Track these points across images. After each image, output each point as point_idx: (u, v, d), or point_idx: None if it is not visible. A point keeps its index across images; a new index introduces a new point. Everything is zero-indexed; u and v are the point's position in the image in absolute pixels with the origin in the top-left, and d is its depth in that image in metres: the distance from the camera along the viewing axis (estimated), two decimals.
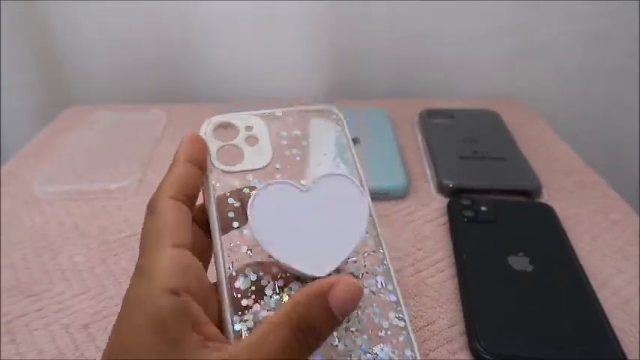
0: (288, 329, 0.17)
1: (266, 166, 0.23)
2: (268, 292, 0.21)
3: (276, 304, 0.21)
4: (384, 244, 0.23)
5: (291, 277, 0.22)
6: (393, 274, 0.23)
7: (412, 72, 0.65)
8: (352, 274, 0.22)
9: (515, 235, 0.37)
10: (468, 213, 0.39)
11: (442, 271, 0.36)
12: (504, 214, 0.39)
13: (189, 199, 0.21)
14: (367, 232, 0.23)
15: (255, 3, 0.58)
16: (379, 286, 0.22)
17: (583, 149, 0.51)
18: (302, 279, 0.22)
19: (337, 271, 0.21)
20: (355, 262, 0.23)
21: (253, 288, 0.21)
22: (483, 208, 0.40)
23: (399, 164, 0.46)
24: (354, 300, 0.18)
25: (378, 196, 0.43)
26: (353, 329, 0.21)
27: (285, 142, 0.24)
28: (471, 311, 0.31)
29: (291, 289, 0.22)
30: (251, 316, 0.20)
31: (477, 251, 0.36)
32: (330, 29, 0.61)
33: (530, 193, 0.43)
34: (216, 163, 0.23)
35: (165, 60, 0.64)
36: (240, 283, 0.21)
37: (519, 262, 0.34)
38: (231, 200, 0.23)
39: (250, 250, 0.22)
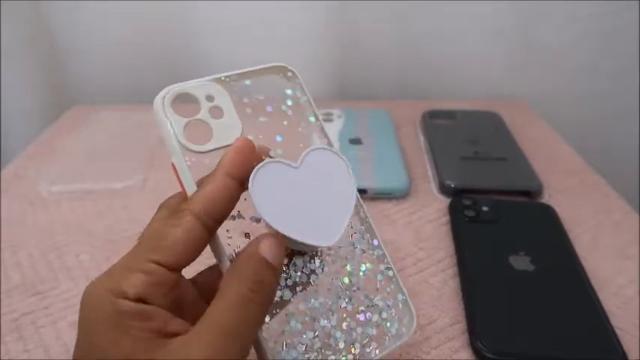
0: (236, 289, 0.19)
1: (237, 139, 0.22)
2: None
3: (286, 281, 0.22)
4: (362, 203, 0.25)
5: (293, 253, 0.23)
6: (375, 230, 0.25)
7: (414, 73, 0.65)
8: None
9: (516, 235, 0.37)
10: (470, 213, 0.40)
11: (444, 271, 0.36)
12: (506, 215, 0.40)
13: (215, 223, 0.20)
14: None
15: (256, 4, 0.59)
16: (367, 243, 0.25)
17: (584, 150, 0.51)
18: (303, 252, 0.23)
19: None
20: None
21: None
22: (485, 208, 0.40)
23: (401, 164, 0.46)
24: (280, 246, 0.21)
25: (380, 196, 0.43)
26: (355, 288, 0.24)
27: (249, 109, 0.23)
28: (472, 310, 0.32)
29: (295, 265, 0.23)
30: None
31: (478, 251, 0.36)
32: (333, 30, 0.61)
33: (531, 193, 0.43)
34: (186, 142, 0.21)
35: (167, 61, 0.65)
36: None
37: (520, 262, 0.35)
38: (207, 160, 0.22)
39: (248, 234, 0.23)
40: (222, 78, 0.23)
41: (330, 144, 0.25)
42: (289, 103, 0.25)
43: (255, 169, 0.21)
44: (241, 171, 0.21)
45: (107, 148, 0.51)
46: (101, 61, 0.66)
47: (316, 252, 0.23)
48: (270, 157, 0.23)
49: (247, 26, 0.61)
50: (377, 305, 0.24)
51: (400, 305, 0.25)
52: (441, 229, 0.40)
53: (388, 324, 0.24)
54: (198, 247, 0.20)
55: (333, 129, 0.52)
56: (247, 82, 0.24)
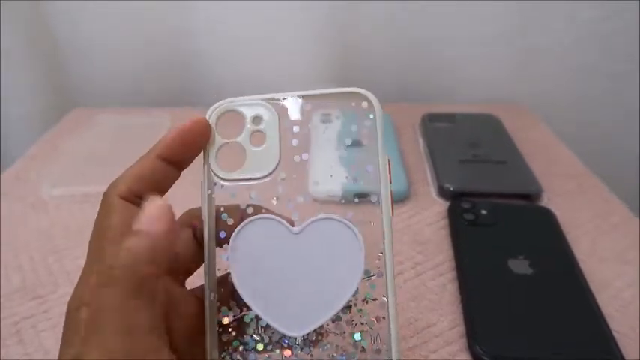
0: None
1: (269, 174, 0.20)
2: (250, 331, 0.20)
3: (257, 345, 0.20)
4: (388, 268, 0.20)
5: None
6: (392, 314, 0.19)
7: (414, 76, 0.65)
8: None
9: (515, 239, 0.37)
10: (469, 216, 0.40)
11: (442, 274, 0.36)
12: (505, 218, 0.40)
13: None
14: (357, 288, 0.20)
15: (257, 6, 0.59)
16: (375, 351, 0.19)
17: (583, 153, 0.51)
18: None
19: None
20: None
21: (234, 323, 0.20)
22: (484, 212, 0.40)
23: (400, 168, 0.47)
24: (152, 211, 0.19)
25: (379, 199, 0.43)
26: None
27: (296, 141, 0.20)
28: (471, 313, 0.32)
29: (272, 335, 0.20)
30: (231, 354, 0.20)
31: (477, 254, 0.36)
32: (333, 33, 0.61)
33: (530, 196, 0.43)
34: (214, 167, 0.20)
35: (168, 63, 0.65)
36: (222, 317, 0.20)
37: (519, 265, 0.35)
38: (224, 216, 0.20)
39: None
40: (280, 99, 0.21)
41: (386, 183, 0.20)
42: (347, 141, 0.21)
43: (243, 223, 0.19)
44: (178, 154, 0.20)
45: (108, 151, 0.52)
46: (103, 64, 0.66)
47: None
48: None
49: (248, 28, 0.61)
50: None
51: None
52: (440, 233, 0.40)
53: None
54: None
55: (332, 131, 0.52)
56: (307, 107, 0.20)
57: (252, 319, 0.20)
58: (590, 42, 0.61)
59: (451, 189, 0.44)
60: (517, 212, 0.41)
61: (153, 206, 0.18)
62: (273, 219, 0.20)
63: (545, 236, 0.38)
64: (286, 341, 0.19)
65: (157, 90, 0.67)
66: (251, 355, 0.20)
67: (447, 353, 0.30)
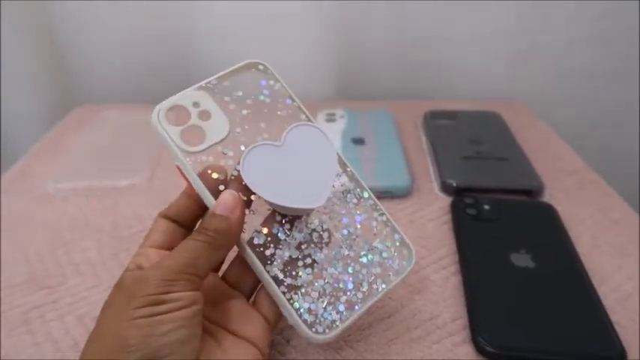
0: (195, 237, 0.24)
1: (228, 134, 0.26)
2: (281, 236, 0.26)
3: (291, 242, 0.26)
4: (347, 163, 0.28)
5: (294, 217, 0.27)
6: (363, 183, 0.28)
7: (416, 73, 0.66)
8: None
9: (517, 234, 0.38)
10: (471, 211, 0.40)
11: (445, 268, 0.36)
12: (507, 213, 0.40)
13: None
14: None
15: (260, 4, 0.59)
16: (358, 196, 0.28)
17: (583, 150, 0.52)
18: (301, 216, 0.27)
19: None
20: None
21: (269, 239, 0.26)
22: (486, 207, 0.41)
23: (403, 164, 0.47)
24: (232, 201, 0.24)
25: (382, 194, 0.44)
26: (354, 237, 0.27)
27: (232, 106, 0.27)
28: (473, 306, 0.32)
29: (297, 227, 0.26)
30: (279, 259, 0.26)
31: (479, 248, 0.37)
32: (335, 31, 0.62)
33: (532, 192, 0.44)
34: (184, 146, 0.25)
35: (171, 61, 0.66)
36: (256, 240, 0.26)
37: (521, 259, 0.35)
38: (215, 175, 0.25)
39: (252, 211, 0.26)
40: (204, 85, 0.27)
41: (308, 119, 0.28)
42: (265, 92, 0.28)
43: (243, 154, 0.25)
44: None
45: (113, 147, 0.52)
46: (107, 62, 0.66)
47: (314, 212, 0.27)
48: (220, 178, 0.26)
49: (250, 27, 0.62)
50: (376, 247, 0.28)
51: (398, 244, 0.28)
52: (443, 228, 0.41)
53: (389, 262, 0.27)
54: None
55: (336, 129, 0.53)
56: (226, 83, 0.27)
57: (278, 230, 0.26)
58: (591, 40, 0.61)
59: (454, 184, 0.44)
60: (519, 207, 0.41)
61: (230, 195, 0.24)
62: (261, 143, 0.25)
63: (546, 231, 0.39)
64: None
65: (160, 87, 0.67)
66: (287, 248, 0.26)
67: (449, 344, 0.30)
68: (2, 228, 0.41)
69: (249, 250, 0.25)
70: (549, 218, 0.40)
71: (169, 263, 0.23)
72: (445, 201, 0.44)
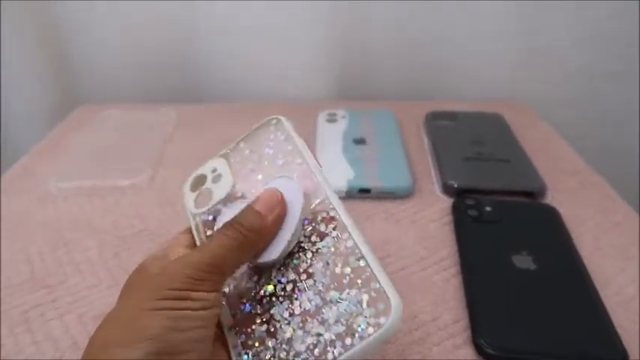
0: (225, 231, 0.23)
1: (229, 192, 0.27)
2: (249, 285, 0.25)
3: (254, 294, 0.24)
4: (333, 203, 0.24)
5: (258, 270, 0.25)
6: (345, 222, 0.23)
7: (417, 74, 0.66)
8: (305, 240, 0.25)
9: (519, 235, 0.38)
10: (473, 212, 0.40)
11: (446, 269, 0.36)
12: (508, 215, 0.40)
13: None
14: (305, 219, 0.25)
15: (264, 4, 0.59)
16: (336, 238, 0.23)
17: (585, 151, 0.52)
18: (265, 267, 0.25)
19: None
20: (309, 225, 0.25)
21: (234, 286, 0.25)
22: (488, 208, 0.40)
23: (405, 165, 0.47)
24: (272, 199, 0.24)
25: (384, 195, 0.44)
26: (320, 287, 0.22)
27: (240, 164, 0.28)
28: (474, 307, 0.32)
29: (259, 279, 0.25)
30: (239, 311, 0.24)
31: (481, 250, 0.37)
32: (338, 32, 0.62)
33: (534, 194, 0.44)
34: (194, 210, 0.27)
35: (173, 61, 0.66)
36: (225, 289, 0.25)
37: (523, 261, 0.35)
38: (205, 217, 0.27)
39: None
40: (226, 152, 0.29)
41: (323, 178, 0.25)
42: (270, 144, 0.28)
43: (222, 210, 0.26)
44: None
45: (114, 146, 0.52)
46: (107, 61, 0.66)
47: (281, 263, 0.24)
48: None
49: (252, 27, 0.62)
50: (342, 301, 0.22)
51: (374, 294, 0.21)
52: (444, 229, 0.40)
53: (357, 320, 0.21)
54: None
55: (338, 129, 0.53)
56: (242, 144, 0.28)
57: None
58: (592, 41, 0.61)
59: (455, 186, 0.44)
60: (521, 209, 0.41)
61: (271, 193, 0.24)
62: (242, 199, 0.26)
63: (548, 233, 0.38)
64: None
65: (162, 87, 0.68)
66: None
67: (450, 345, 0.30)
68: (3, 227, 0.41)
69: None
70: (551, 220, 0.40)
71: (198, 259, 0.22)
72: (446, 202, 0.43)
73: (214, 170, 0.28)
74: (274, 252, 0.24)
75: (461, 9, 0.60)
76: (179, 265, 0.22)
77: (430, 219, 0.42)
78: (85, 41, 0.65)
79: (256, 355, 0.22)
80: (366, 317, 0.20)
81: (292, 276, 0.24)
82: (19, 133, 0.67)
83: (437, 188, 0.46)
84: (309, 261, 0.23)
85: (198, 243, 0.26)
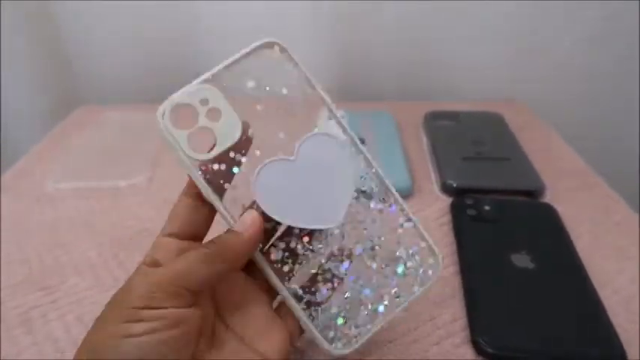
0: (201, 249, 0.22)
1: (241, 136, 0.23)
2: (300, 250, 0.25)
3: (310, 257, 0.25)
4: (374, 165, 0.26)
5: (313, 231, 0.25)
6: (390, 187, 0.26)
7: (417, 74, 0.66)
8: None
9: (517, 234, 0.38)
10: (472, 212, 0.40)
11: (445, 268, 0.36)
12: (507, 214, 0.40)
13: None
14: (362, 176, 0.25)
15: (260, 4, 0.59)
16: (383, 201, 0.26)
17: (584, 151, 0.52)
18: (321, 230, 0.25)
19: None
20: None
21: (287, 254, 0.25)
22: (487, 208, 0.40)
23: (404, 164, 0.47)
24: (252, 219, 0.23)
25: None
26: (376, 247, 0.26)
27: (245, 101, 0.23)
28: (473, 306, 0.32)
29: (316, 241, 0.25)
30: (297, 275, 0.25)
31: (480, 249, 0.37)
32: (336, 31, 0.62)
33: (533, 193, 0.44)
34: (192, 154, 0.22)
35: (173, 61, 0.66)
36: (274, 256, 0.25)
37: (522, 260, 0.35)
38: (216, 166, 0.23)
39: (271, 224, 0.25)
40: (210, 77, 0.23)
41: (331, 112, 0.26)
42: (281, 81, 0.24)
43: (255, 172, 0.23)
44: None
45: (113, 147, 0.52)
46: (108, 62, 0.66)
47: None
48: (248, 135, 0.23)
49: (252, 27, 0.62)
50: (400, 257, 0.26)
51: (424, 252, 0.27)
52: (443, 228, 0.40)
53: (413, 272, 0.26)
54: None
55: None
56: (236, 71, 0.23)
57: (296, 244, 0.25)
58: (591, 41, 0.61)
59: (454, 185, 0.44)
60: (520, 208, 0.41)
61: (248, 215, 0.23)
62: (273, 159, 0.23)
63: (547, 232, 0.38)
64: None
65: (161, 88, 0.67)
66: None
67: (449, 344, 0.30)
68: (2, 228, 0.41)
69: (266, 266, 0.24)
70: (550, 219, 0.40)
71: (161, 271, 0.21)
72: (445, 202, 0.43)
73: (204, 101, 0.23)
74: (335, 217, 0.24)
75: (461, 9, 0.60)
76: (140, 278, 0.21)
77: (429, 218, 0.42)
78: (85, 41, 0.65)
79: (327, 310, 0.25)
80: (420, 270, 0.26)
81: (347, 237, 0.25)
82: (19, 133, 0.67)
83: (436, 188, 0.46)
84: (361, 223, 0.25)
85: (204, 195, 0.23)
